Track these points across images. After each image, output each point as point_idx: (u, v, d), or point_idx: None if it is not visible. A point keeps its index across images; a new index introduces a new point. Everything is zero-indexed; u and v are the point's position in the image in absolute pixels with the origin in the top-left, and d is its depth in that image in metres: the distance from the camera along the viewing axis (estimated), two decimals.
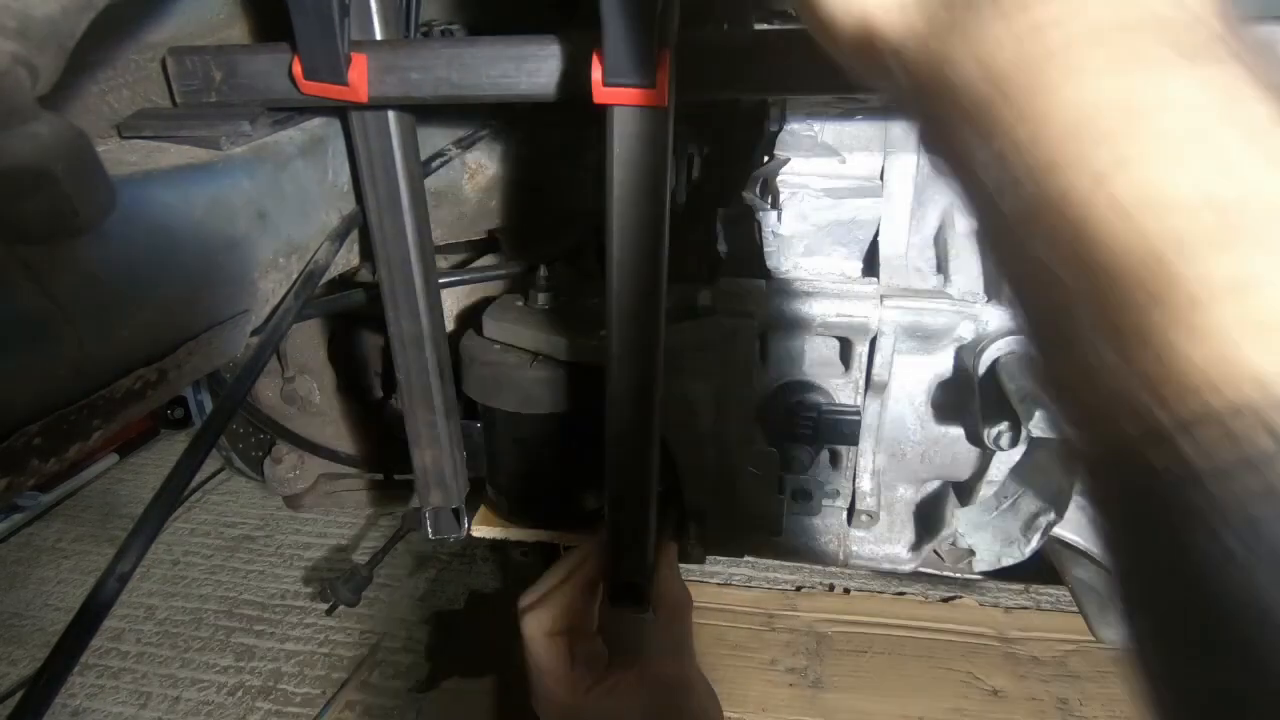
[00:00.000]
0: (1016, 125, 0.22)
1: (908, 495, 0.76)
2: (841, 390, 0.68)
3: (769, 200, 0.67)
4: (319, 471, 1.39)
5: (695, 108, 0.77)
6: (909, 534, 0.76)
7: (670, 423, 0.71)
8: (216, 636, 1.76)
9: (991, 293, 0.67)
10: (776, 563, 1.80)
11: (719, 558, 1.92)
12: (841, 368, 0.68)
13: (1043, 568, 0.81)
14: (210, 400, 2.23)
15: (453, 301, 0.99)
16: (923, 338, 0.66)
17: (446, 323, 0.80)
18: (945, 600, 1.78)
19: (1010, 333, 0.64)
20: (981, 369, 0.63)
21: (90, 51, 0.57)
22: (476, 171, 0.94)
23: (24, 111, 0.34)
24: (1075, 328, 0.21)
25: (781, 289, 0.66)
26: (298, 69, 0.57)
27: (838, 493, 0.73)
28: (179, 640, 1.75)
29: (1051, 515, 0.67)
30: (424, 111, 0.68)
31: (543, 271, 0.95)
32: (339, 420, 1.29)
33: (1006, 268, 0.25)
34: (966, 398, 0.67)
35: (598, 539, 0.70)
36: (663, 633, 0.65)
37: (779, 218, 0.66)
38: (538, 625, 0.63)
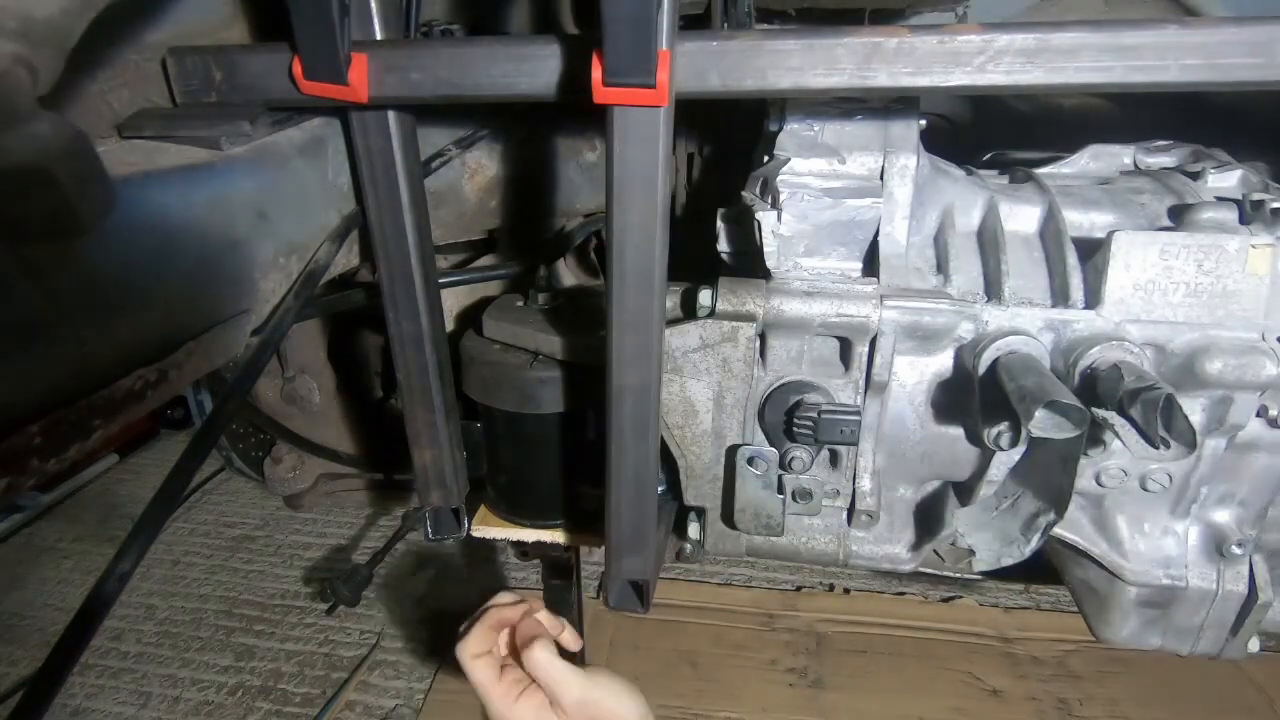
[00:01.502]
0: None
1: (908, 495, 0.76)
2: (841, 390, 0.68)
3: (769, 200, 0.67)
4: (319, 471, 1.39)
5: (695, 108, 0.77)
6: (909, 534, 0.76)
7: (670, 423, 0.71)
8: (216, 636, 1.76)
9: (991, 292, 0.67)
10: (776, 563, 1.80)
11: (719, 558, 1.93)
12: (841, 368, 0.68)
13: (1043, 568, 0.81)
14: (210, 400, 2.23)
15: (453, 301, 1.00)
16: (922, 338, 0.66)
17: (446, 323, 0.80)
18: (945, 600, 1.78)
19: (1010, 332, 0.64)
20: (981, 369, 0.63)
21: (90, 51, 0.57)
22: (476, 171, 0.94)
23: (24, 111, 0.34)
24: None
25: (781, 289, 0.66)
26: (298, 69, 0.57)
27: (838, 493, 0.73)
28: (179, 640, 1.75)
29: (1051, 515, 0.67)
30: (424, 111, 0.68)
31: (542, 271, 0.95)
32: (339, 420, 1.29)
33: None
34: (966, 398, 0.67)
35: (513, 598, 0.81)
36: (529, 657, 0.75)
37: (779, 218, 0.66)
38: (464, 650, 0.76)
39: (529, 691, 0.75)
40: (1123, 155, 0.81)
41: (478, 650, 0.76)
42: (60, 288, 0.40)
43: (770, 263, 0.67)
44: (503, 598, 0.82)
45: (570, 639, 0.83)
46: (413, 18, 0.70)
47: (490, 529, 0.85)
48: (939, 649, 1.66)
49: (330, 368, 1.25)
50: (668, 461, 0.73)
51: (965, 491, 0.73)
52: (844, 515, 0.75)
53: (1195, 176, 0.74)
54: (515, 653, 0.79)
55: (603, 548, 0.72)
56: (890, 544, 0.76)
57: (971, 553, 0.74)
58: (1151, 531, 0.72)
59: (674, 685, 1.57)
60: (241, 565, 1.99)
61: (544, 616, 0.81)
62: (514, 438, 0.81)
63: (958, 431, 0.70)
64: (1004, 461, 0.69)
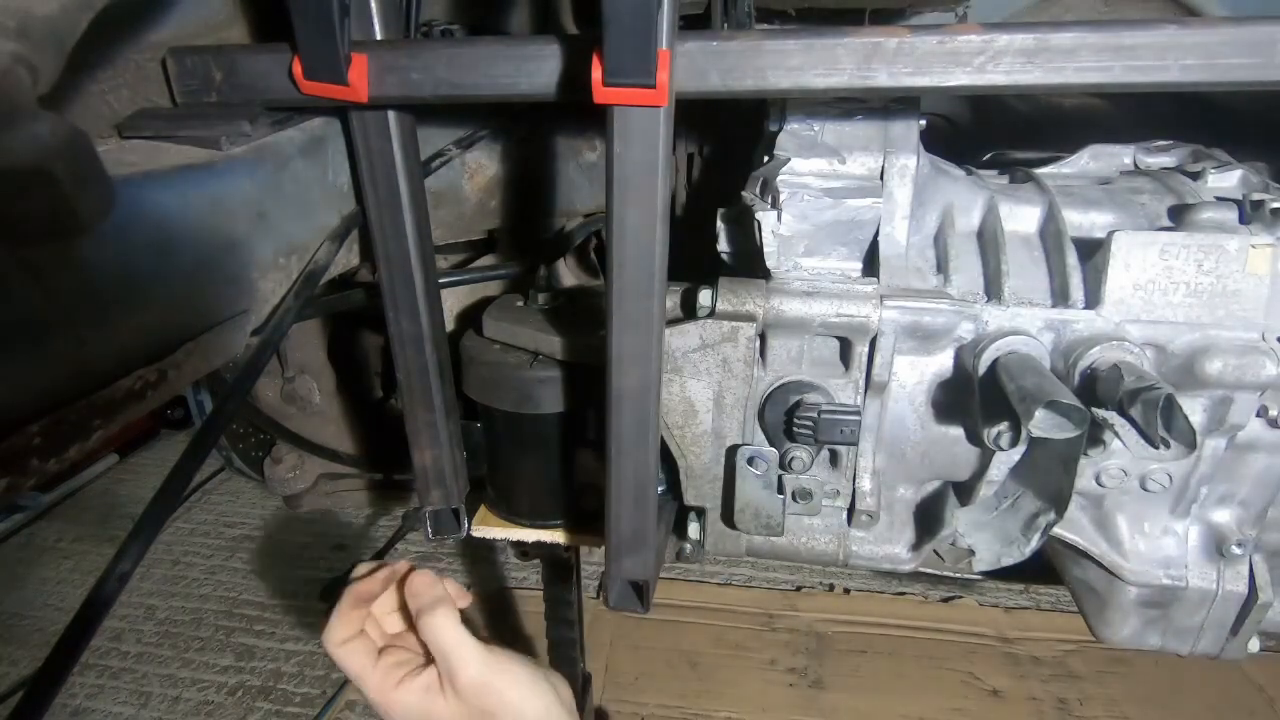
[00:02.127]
0: None
1: (908, 495, 0.76)
2: (841, 390, 0.68)
3: (769, 200, 0.67)
4: (319, 471, 1.39)
5: (695, 108, 0.77)
6: (909, 534, 0.76)
7: (670, 423, 0.71)
8: (216, 636, 1.76)
9: (991, 292, 0.67)
10: (776, 563, 1.80)
11: (719, 558, 1.93)
12: (841, 368, 0.68)
13: (1043, 568, 0.81)
14: (210, 400, 2.23)
15: (453, 301, 1.00)
16: (922, 338, 0.66)
17: (446, 323, 0.80)
18: (945, 600, 1.78)
19: (1010, 332, 0.64)
20: (981, 369, 0.63)
21: (90, 51, 0.57)
22: (476, 171, 0.94)
23: (24, 111, 0.34)
24: None
25: (781, 289, 0.66)
26: (298, 69, 0.57)
27: (838, 493, 0.73)
28: (179, 640, 1.75)
29: (1051, 515, 0.67)
30: (424, 111, 0.68)
31: (542, 271, 0.95)
32: (339, 420, 1.29)
33: None
34: (966, 398, 0.67)
35: (370, 566, 0.73)
36: (423, 622, 0.67)
37: (779, 218, 0.66)
38: (329, 638, 0.68)
39: (412, 674, 0.66)
40: (1123, 155, 0.81)
41: (344, 635, 0.67)
42: (60, 288, 0.40)
43: (770, 263, 0.67)
44: (361, 569, 0.73)
45: (456, 592, 0.72)
46: (413, 18, 0.70)
47: (490, 529, 0.85)
48: (939, 649, 1.66)
49: (330, 368, 1.25)
50: (668, 461, 0.73)
51: (965, 491, 0.73)
52: (844, 515, 0.75)
53: (1195, 176, 0.74)
54: (411, 627, 0.69)
55: (603, 548, 0.72)
56: (890, 544, 0.76)
57: (971, 553, 0.74)
58: (1151, 531, 0.72)
59: (674, 685, 1.57)
60: (241, 565, 2.00)
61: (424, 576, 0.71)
62: (514, 438, 0.81)
63: (958, 431, 0.70)
64: (1004, 461, 0.69)
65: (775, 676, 1.59)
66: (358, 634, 0.69)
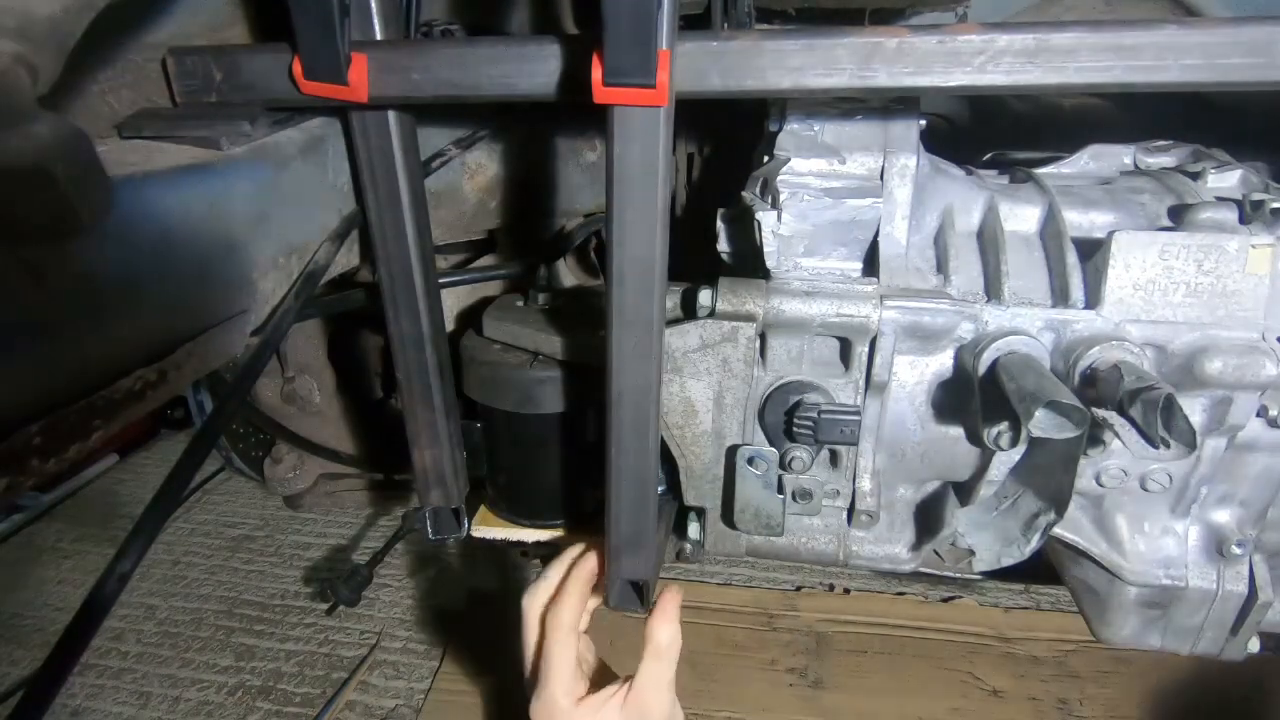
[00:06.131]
0: None
1: (908, 495, 0.76)
2: (841, 390, 0.68)
3: (769, 200, 0.67)
4: (319, 471, 1.39)
5: (695, 108, 0.77)
6: (909, 534, 0.76)
7: (670, 423, 0.71)
8: (216, 636, 1.76)
9: (991, 292, 0.67)
10: (776, 563, 1.80)
11: (719, 558, 1.93)
12: (841, 368, 0.68)
13: (1043, 568, 0.81)
14: (210, 400, 2.23)
15: (453, 301, 1.00)
16: (923, 338, 0.66)
17: (446, 323, 0.80)
18: (945, 600, 1.78)
19: (1010, 333, 0.64)
20: (981, 369, 0.63)
21: (90, 51, 0.57)
22: (476, 171, 0.94)
23: (24, 111, 0.34)
24: None
25: (781, 289, 0.66)
26: (298, 69, 0.57)
27: (838, 493, 0.73)
28: (179, 640, 1.75)
29: (1051, 515, 0.67)
30: (424, 111, 0.68)
31: (542, 271, 0.95)
32: (339, 420, 1.29)
33: None
34: (966, 398, 0.67)
35: (593, 538, 0.73)
36: (649, 667, 0.69)
37: (779, 218, 0.66)
38: (558, 621, 0.65)
39: (594, 691, 0.67)
40: (1123, 155, 0.81)
41: (571, 620, 0.64)
42: (60, 288, 0.40)
43: (770, 263, 0.67)
44: (572, 551, 0.71)
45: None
46: (413, 18, 0.70)
47: (490, 529, 0.85)
48: (939, 649, 1.65)
49: (330, 368, 1.25)
50: (668, 461, 0.73)
51: (965, 491, 0.73)
52: (844, 515, 0.75)
53: (1195, 176, 0.74)
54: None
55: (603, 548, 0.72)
56: (890, 544, 0.76)
57: (971, 553, 0.74)
58: (1151, 531, 0.72)
59: (674, 685, 1.57)
60: (241, 565, 1.99)
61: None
62: (514, 438, 0.81)
63: (958, 431, 0.70)
64: (1004, 461, 0.69)
65: (775, 676, 1.59)
66: (576, 625, 0.66)
